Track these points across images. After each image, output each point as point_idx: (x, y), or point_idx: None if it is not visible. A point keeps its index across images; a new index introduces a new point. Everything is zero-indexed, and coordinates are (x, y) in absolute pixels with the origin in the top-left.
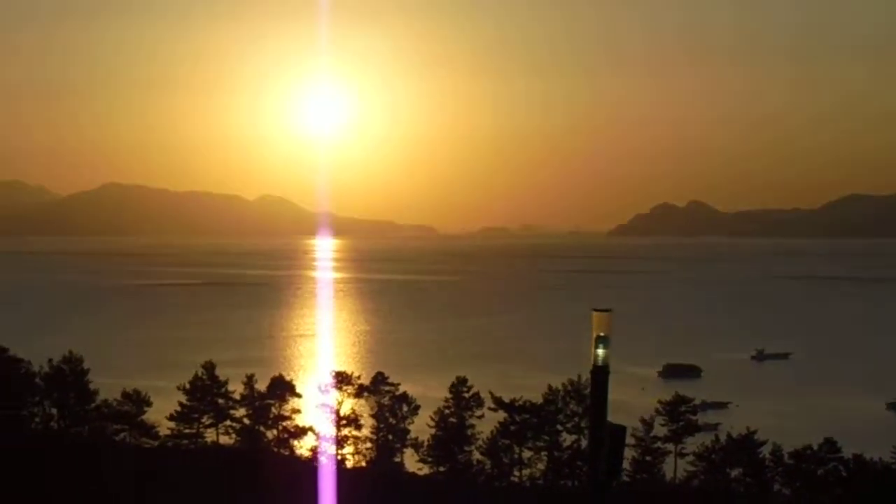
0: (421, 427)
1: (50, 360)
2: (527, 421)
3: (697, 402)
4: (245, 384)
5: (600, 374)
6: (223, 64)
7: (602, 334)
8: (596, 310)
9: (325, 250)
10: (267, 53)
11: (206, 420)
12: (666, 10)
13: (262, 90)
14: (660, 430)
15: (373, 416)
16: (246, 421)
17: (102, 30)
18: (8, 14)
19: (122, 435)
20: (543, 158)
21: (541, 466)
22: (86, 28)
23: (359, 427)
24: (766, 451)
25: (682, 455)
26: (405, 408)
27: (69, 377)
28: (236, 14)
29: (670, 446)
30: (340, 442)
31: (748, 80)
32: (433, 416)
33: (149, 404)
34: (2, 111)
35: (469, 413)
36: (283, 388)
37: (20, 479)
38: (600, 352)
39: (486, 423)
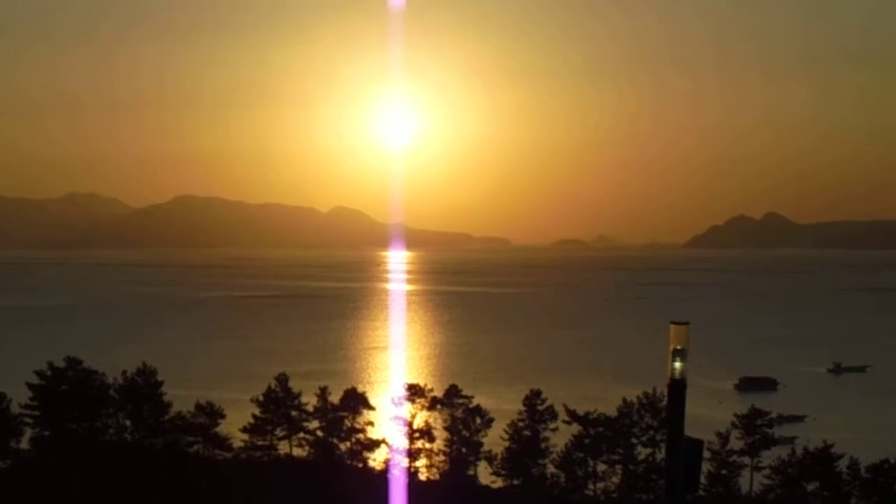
0: (494, 440)
1: (124, 372)
2: (601, 434)
3: (774, 415)
4: (318, 396)
5: (677, 387)
6: (293, 80)
7: (679, 347)
8: (673, 322)
9: (398, 262)
10: (344, 72)
11: (279, 432)
12: (735, 18)
13: (330, 104)
14: (736, 443)
15: (446, 428)
16: (319, 433)
17: (183, 44)
18: (87, 27)
19: (195, 447)
20: (617, 169)
21: (615, 480)
22: (167, 42)
23: (432, 439)
24: (843, 465)
25: (758, 469)
26: (478, 420)
27: (143, 389)
28: (309, 34)
29: (746, 460)
30: (413, 454)
31: (819, 89)
32: (507, 429)
33: (222, 416)
34: (76, 124)
35: (543, 426)
36: (356, 401)
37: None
38: (677, 365)
39: (560, 435)
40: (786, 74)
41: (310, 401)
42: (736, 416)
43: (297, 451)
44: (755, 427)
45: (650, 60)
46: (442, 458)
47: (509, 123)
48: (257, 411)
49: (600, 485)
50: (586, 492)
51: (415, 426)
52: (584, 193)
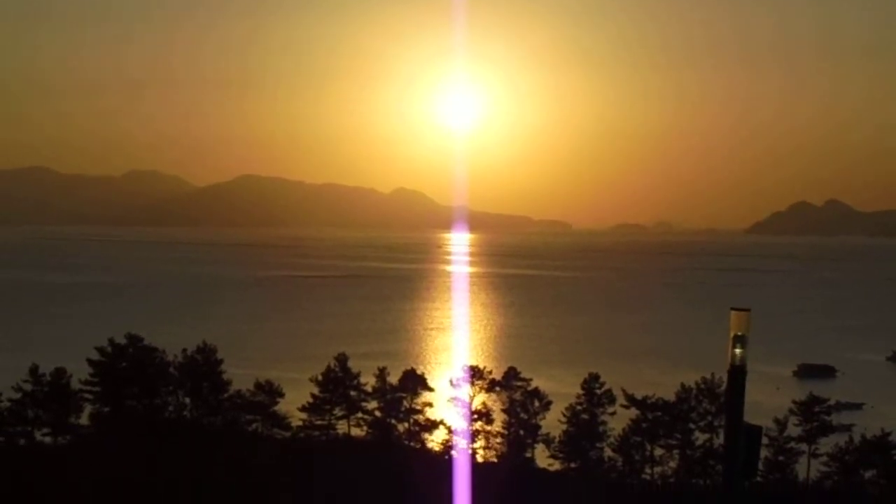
0: (552, 423)
1: (184, 350)
2: (659, 419)
3: (832, 402)
4: (377, 377)
5: (737, 373)
6: (356, 61)
7: (740, 333)
8: (734, 309)
9: (459, 244)
10: (408, 53)
11: (337, 412)
12: (799, 8)
13: (393, 85)
14: (794, 430)
15: (504, 410)
16: (377, 414)
17: (245, 26)
18: (149, 7)
19: (254, 425)
20: (679, 155)
21: (672, 464)
22: (229, 23)
23: (490, 422)
24: None
25: (815, 456)
26: (537, 403)
27: (203, 367)
28: (373, 15)
29: (804, 447)
30: (472, 436)
31: (881, 77)
32: (565, 412)
33: (281, 395)
34: (137, 104)
35: (601, 409)
36: (414, 382)
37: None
38: (738, 351)
39: (617, 419)
40: (847, 63)
41: (369, 381)
42: (794, 402)
43: (355, 431)
44: (813, 414)
45: (714, 48)
46: (500, 440)
47: (573, 108)
48: (316, 391)
49: (657, 469)
50: (643, 476)
51: (473, 408)
52: (645, 179)
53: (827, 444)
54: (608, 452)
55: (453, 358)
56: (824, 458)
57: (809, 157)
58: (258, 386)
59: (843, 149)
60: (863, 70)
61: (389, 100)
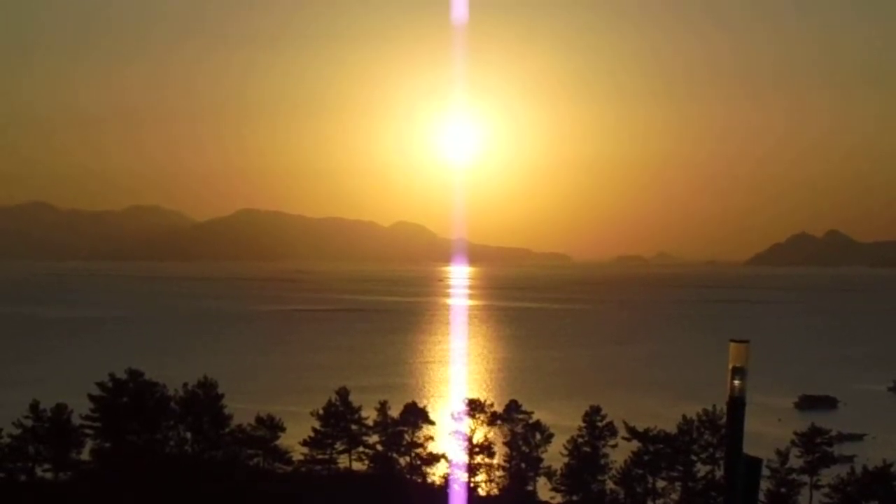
0: (554, 455)
1: (185, 385)
2: (661, 451)
3: (833, 433)
4: (378, 410)
5: (736, 405)
6: (355, 94)
7: (739, 365)
8: (733, 340)
9: (459, 277)
10: (406, 87)
11: (338, 446)
12: (801, 37)
13: (392, 119)
14: (795, 461)
15: (506, 443)
16: (379, 447)
17: (242, 58)
18: (141, 41)
19: (255, 460)
20: (679, 186)
21: (674, 496)
22: (224, 55)
23: (492, 455)
24: None
25: (817, 487)
26: (538, 436)
27: (204, 401)
28: (371, 48)
29: (805, 478)
30: (473, 469)
31: (882, 108)
32: (566, 445)
33: (282, 429)
34: (133, 138)
35: (602, 442)
36: (416, 415)
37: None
38: (737, 383)
39: (619, 452)
40: (848, 94)
41: (370, 415)
42: (795, 434)
43: (356, 465)
44: (815, 445)
45: (714, 79)
46: (501, 473)
47: (572, 139)
48: (317, 425)
49: (659, 501)
50: None
51: (475, 441)
52: (645, 210)
53: (829, 475)
54: (610, 485)
55: (454, 391)
56: (826, 490)
57: (810, 188)
58: (259, 420)
59: (844, 180)
60: (864, 101)
61: (389, 132)
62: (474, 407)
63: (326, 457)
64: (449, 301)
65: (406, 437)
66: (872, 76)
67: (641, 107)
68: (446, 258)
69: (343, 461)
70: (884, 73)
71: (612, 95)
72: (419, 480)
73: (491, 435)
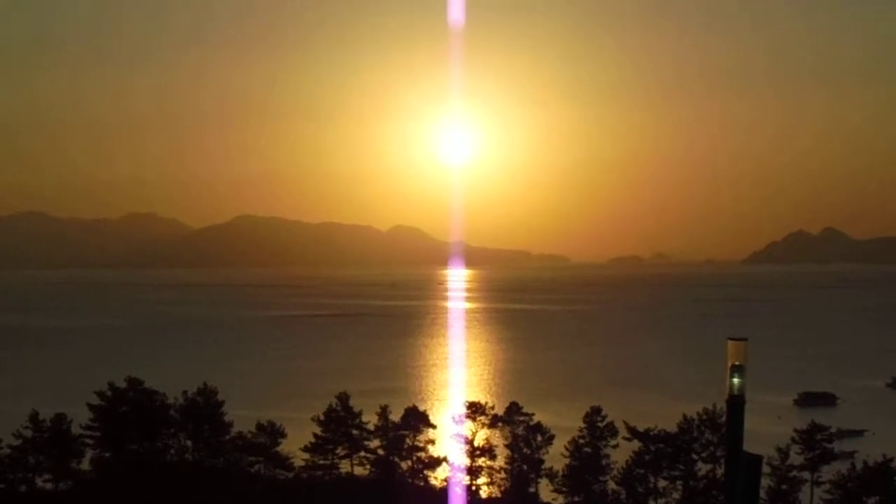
0: (555, 457)
1: (185, 392)
2: (661, 450)
3: (833, 430)
4: (379, 415)
5: (736, 403)
6: (352, 100)
7: (737, 363)
8: (731, 338)
9: (458, 280)
10: (402, 92)
11: (340, 451)
12: (795, 36)
13: (388, 124)
14: (796, 458)
15: (507, 445)
16: (380, 452)
17: (241, 65)
18: (146, 48)
19: (256, 467)
20: (675, 186)
21: (676, 496)
22: (225, 63)
23: (493, 457)
24: None
25: (818, 483)
26: (539, 437)
27: (204, 409)
28: (369, 55)
29: (806, 475)
30: (475, 472)
31: (877, 106)
32: (567, 446)
33: (283, 435)
34: (136, 145)
35: (603, 442)
36: (417, 419)
37: None
38: (735, 381)
39: (620, 452)
40: (843, 92)
41: (371, 419)
42: (795, 431)
43: (358, 470)
44: (815, 442)
45: (709, 79)
46: (503, 475)
47: (567, 141)
48: (318, 430)
49: (661, 501)
50: None
51: (476, 444)
52: (641, 210)
53: (829, 471)
54: (612, 485)
55: (455, 394)
56: (827, 486)
57: (806, 187)
58: (260, 427)
59: (840, 177)
60: (860, 99)
61: (386, 137)
62: (475, 409)
63: (328, 462)
64: (448, 304)
65: (407, 441)
66: (867, 74)
67: (637, 108)
68: (444, 261)
69: (344, 466)
70: (878, 71)
71: (608, 96)
72: (421, 484)
73: (492, 437)
